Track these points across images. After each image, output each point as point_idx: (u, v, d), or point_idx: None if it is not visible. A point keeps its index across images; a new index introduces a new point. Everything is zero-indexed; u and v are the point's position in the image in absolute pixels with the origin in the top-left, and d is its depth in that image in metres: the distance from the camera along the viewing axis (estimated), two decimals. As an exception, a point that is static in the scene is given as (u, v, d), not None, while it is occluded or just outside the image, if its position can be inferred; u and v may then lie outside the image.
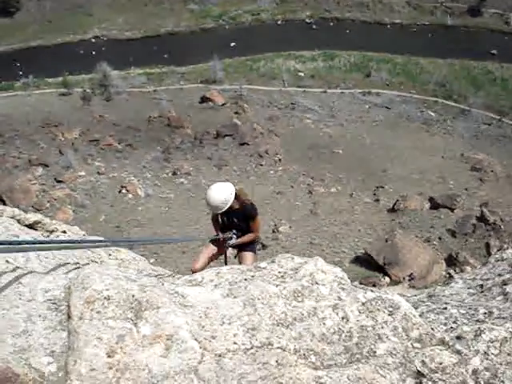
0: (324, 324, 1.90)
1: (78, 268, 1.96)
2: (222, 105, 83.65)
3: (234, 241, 7.64)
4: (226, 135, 71.55)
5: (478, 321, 2.08)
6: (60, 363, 1.69)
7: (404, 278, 42.81)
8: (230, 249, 7.77)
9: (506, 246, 44.09)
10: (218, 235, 7.51)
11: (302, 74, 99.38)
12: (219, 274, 2.07)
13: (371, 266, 43.94)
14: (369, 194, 58.29)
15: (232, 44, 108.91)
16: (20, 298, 1.85)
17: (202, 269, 7.48)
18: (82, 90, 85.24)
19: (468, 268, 41.75)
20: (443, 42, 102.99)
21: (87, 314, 1.76)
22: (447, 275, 42.77)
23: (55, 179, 57.38)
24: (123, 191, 57.12)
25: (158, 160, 65.61)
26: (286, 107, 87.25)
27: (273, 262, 2.17)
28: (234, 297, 1.93)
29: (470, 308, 2.19)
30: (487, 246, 45.06)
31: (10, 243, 2.08)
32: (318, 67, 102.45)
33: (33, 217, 3.53)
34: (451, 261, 43.63)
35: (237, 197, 7.45)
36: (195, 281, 2.03)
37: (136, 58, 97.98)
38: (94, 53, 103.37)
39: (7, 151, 62.24)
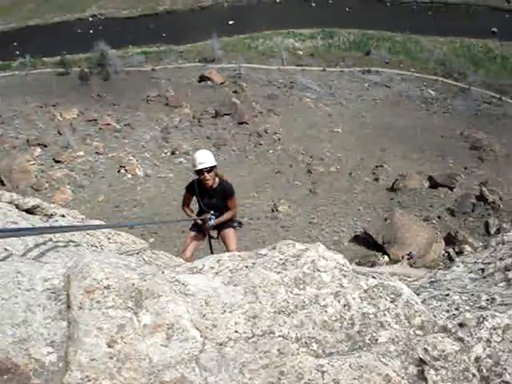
0: (326, 312, 1.89)
1: (77, 256, 1.94)
2: (221, 84, 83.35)
3: (213, 221, 7.73)
4: (225, 114, 71.38)
5: (480, 307, 2.06)
6: (60, 353, 1.68)
7: (403, 257, 42.91)
8: (211, 230, 7.84)
9: (504, 224, 44.22)
10: (198, 218, 7.60)
11: (301, 53, 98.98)
12: (220, 262, 2.05)
13: (370, 245, 44.06)
14: (368, 173, 58.25)
15: (230, 22, 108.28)
16: (19, 288, 1.84)
17: (192, 255, 7.56)
18: (80, 70, 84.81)
19: (467, 247, 41.82)
20: (443, 19, 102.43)
21: (87, 303, 1.75)
22: (446, 254, 42.90)
23: (54, 159, 57.27)
24: (122, 171, 57.07)
25: (156, 139, 65.49)
26: (285, 86, 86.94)
27: (274, 248, 2.15)
28: (235, 284, 1.92)
29: (472, 294, 2.18)
30: (486, 224, 45.14)
31: (10, 230, 2.07)
32: (317, 45, 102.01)
33: (31, 201, 3.51)
34: (450, 240, 43.71)
35: (216, 172, 7.64)
36: (196, 268, 2.02)
37: (134, 36, 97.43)
38: (91, 31, 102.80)
39: (5, 131, 62.07)
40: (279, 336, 1.81)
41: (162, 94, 77.21)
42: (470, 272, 2.94)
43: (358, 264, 42.38)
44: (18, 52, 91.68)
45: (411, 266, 42.49)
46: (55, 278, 1.90)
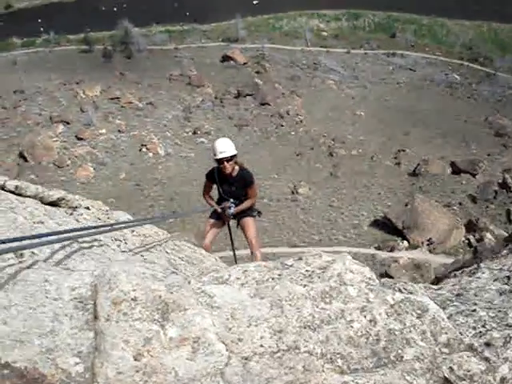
0: (351, 327, 1.88)
1: (104, 264, 1.94)
2: (244, 64, 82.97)
3: (233, 209, 7.74)
4: (247, 95, 71.20)
5: (507, 325, 2.04)
6: (87, 364, 1.69)
7: (422, 243, 42.77)
8: (230, 218, 7.84)
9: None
10: (218, 207, 7.59)
11: (326, 34, 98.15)
12: (246, 272, 2.04)
13: (390, 230, 43.96)
14: (390, 157, 57.90)
15: (255, 2, 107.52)
16: (46, 297, 1.85)
17: (212, 243, 7.74)
18: (104, 47, 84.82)
19: (488, 234, 41.55)
20: (470, 2, 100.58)
21: (114, 315, 1.76)
22: (466, 241, 42.64)
23: (76, 136, 57.62)
24: (143, 150, 57.29)
25: (178, 119, 65.55)
26: (309, 67, 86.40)
27: (300, 259, 2.14)
28: (261, 297, 1.91)
29: (499, 311, 2.16)
30: (508, 212, 44.78)
31: (37, 236, 2.08)
32: (342, 27, 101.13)
33: (56, 194, 3.52)
34: (471, 227, 43.44)
35: (236, 160, 7.61)
36: (222, 278, 2.02)
37: (157, 15, 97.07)
38: (115, 9, 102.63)
39: (29, 108, 62.44)
40: (304, 352, 1.81)
41: (185, 73, 77.10)
42: (496, 280, 2.91)
43: (378, 248, 42.41)
44: (42, 29, 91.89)
45: (431, 252, 42.38)
46: (82, 287, 1.91)
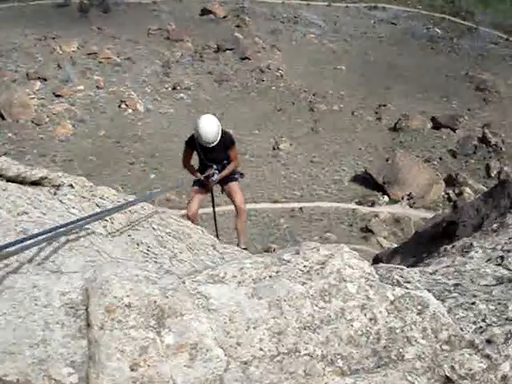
0: (352, 326, 1.84)
1: (95, 267, 1.87)
2: (223, 17, 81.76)
3: (216, 176, 7.66)
4: (227, 49, 70.39)
5: (507, 319, 2.02)
6: (81, 374, 1.63)
7: (403, 198, 43.18)
8: (215, 184, 7.79)
9: (506, 168, 44.21)
10: (201, 176, 7.50)
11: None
12: (242, 270, 1.98)
13: (370, 185, 44.26)
14: (371, 113, 57.89)
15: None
16: (36, 304, 1.78)
17: (197, 211, 7.79)
18: (80, 1, 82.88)
19: (467, 189, 41.98)
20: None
21: (108, 323, 1.69)
22: (446, 195, 43.08)
23: (54, 93, 56.69)
24: (123, 106, 56.64)
25: (157, 74, 64.71)
26: (289, 21, 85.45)
27: (297, 253, 2.08)
28: (259, 298, 1.86)
29: (499, 303, 2.13)
30: (487, 167, 45.21)
31: (21, 241, 2.00)
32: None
33: (38, 172, 3.42)
34: (451, 181, 43.87)
35: None
36: (217, 276, 1.95)
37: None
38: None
39: (4, 65, 61.09)
40: (305, 355, 1.77)
41: (164, 28, 75.85)
42: (489, 260, 2.89)
43: (358, 203, 42.75)
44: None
45: (411, 207, 42.82)
46: (73, 292, 1.84)
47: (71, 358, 1.63)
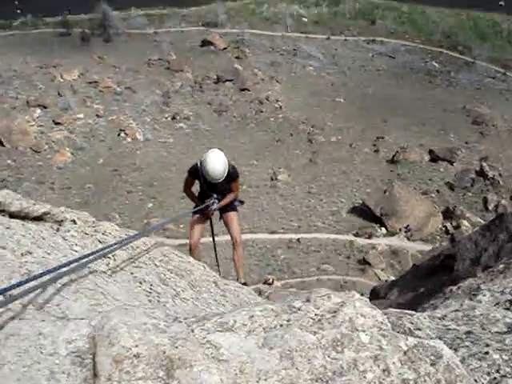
0: (365, 378, 1.79)
1: (99, 302, 1.83)
2: (224, 49, 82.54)
3: (216, 205, 7.70)
4: (227, 80, 70.93)
5: (521, 370, 1.97)
6: (87, 427, 1.58)
7: (400, 230, 43.16)
8: (214, 213, 7.83)
9: (503, 201, 44.26)
10: (201, 205, 7.50)
11: (306, 20, 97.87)
12: (252, 318, 1.94)
13: (368, 217, 44.26)
14: (369, 145, 58.13)
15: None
16: (41, 352, 1.73)
17: (199, 240, 7.74)
18: (82, 31, 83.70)
19: (465, 222, 41.98)
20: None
21: (116, 374, 1.64)
22: (444, 228, 43.07)
23: (53, 121, 56.91)
24: (122, 135, 56.85)
25: (157, 104, 65.08)
26: (288, 53, 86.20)
27: (308, 301, 2.03)
28: (270, 348, 1.81)
29: (512, 353, 2.09)
30: (485, 200, 45.29)
31: (28, 281, 1.96)
32: (322, 13, 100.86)
33: (41, 208, 3.39)
34: (448, 214, 43.92)
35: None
36: (227, 325, 1.91)
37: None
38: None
39: (5, 91, 61.41)
40: (317, 408, 1.71)
41: (164, 58, 76.53)
42: (497, 304, 2.85)
43: (356, 235, 42.70)
44: (19, 11, 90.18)
45: (408, 239, 42.78)
46: (79, 340, 1.79)
47: (77, 409, 1.59)
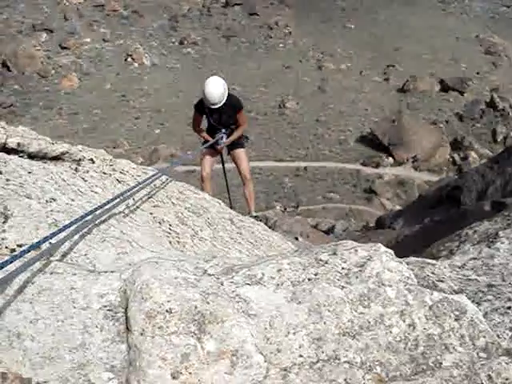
0: (390, 332, 1.82)
1: (133, 269, 1.84)
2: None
3: (225, 139, 7.87)
4: (236, 4, 69.42)
5: (544, 326, 2.00)
6: (121, 379, 1.62)
7: (407, 160, 43.08)
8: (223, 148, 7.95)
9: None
10: (209, 141, 7.60)
11: None
12: (280, 272, 1.96)
13: (376, 146, 44.14)
14: (379, 73, 57.33)
15: None
16: (74, 307, 1.76)
17: (210, 171, 8.04)
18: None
19: (473, 153, 41.81)
20: None
21: (149, 329, 1.67)
22: (451, 159, 42.96)
23: (60, 45, 56.18)
24: (129, 60, 56.20)
25: (164, 28, 63.99)
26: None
27: (334, 254, 2.05)
28: (299, 302, 1.84)
29: (535, 307, 2.12)
30: (494, 132, 44.96)
31: (54, 234, 1.97)
32: None
33: (59, 147, 3.38)
34: (456, 145, 43.72)
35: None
36: (255, 278, 1.93)
37: None
38: None
39: (10, 15, 60.31)
40: (345, 362, 1.75)
41: (171, -20, 74.74)
42: (516, 252, 2.87)
43: (363, 164, 42.69)
44: None
45: (415, 169, 42.77)
46: (111, 294, 1.82)
47: (111, 362, 1.62)
